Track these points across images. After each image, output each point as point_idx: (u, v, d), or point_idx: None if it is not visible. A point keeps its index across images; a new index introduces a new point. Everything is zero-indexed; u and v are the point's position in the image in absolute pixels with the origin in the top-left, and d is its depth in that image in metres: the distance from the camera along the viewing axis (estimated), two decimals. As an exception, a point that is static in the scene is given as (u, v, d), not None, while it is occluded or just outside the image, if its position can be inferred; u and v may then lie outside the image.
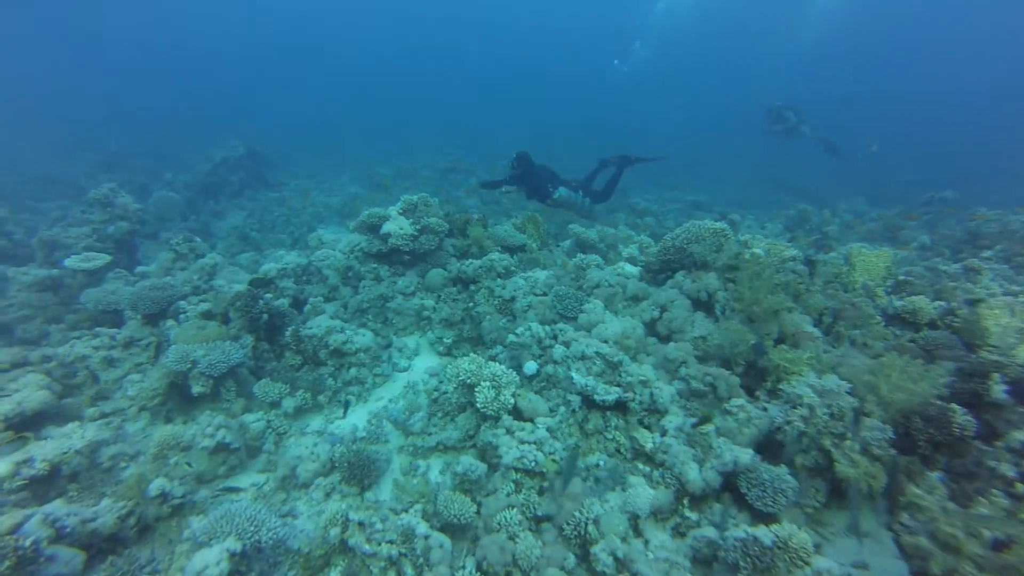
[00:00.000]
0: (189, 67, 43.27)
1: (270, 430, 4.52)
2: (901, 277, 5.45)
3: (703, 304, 4.97)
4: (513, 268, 6.02)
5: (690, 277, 5.10)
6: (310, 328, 5.35)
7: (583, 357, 4.37)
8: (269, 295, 5.77)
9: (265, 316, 5.18)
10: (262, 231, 11.10)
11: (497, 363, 4.37)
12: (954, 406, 3.42)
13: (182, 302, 5.56)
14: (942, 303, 4.87)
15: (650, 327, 5.03)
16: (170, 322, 5.36)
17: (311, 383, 4.98)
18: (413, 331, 5.95)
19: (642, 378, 4.19)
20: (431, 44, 55.08)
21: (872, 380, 3.54)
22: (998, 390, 3.62)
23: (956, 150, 23.79)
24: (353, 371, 5.22)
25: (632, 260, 6.91)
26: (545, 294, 5.50)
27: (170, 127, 21.83)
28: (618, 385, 4.17)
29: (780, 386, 3.90)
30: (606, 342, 4.56)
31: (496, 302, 5.58)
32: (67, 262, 6.17)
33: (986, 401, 3.60)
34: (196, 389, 4.40)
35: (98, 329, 5.34)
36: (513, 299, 5.52)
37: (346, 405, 4.94)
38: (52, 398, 4.45)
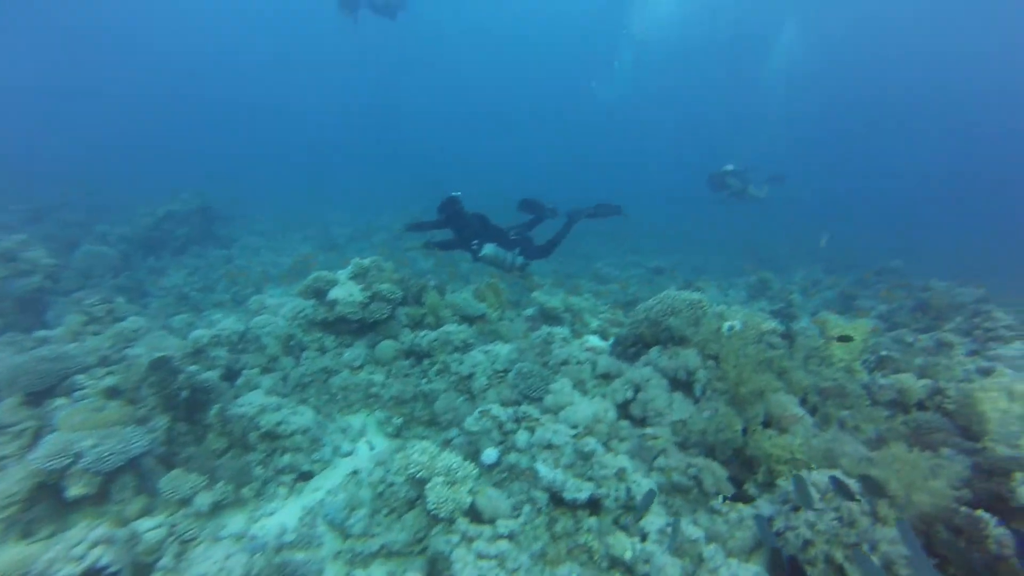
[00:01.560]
0: (156, 123, 42.40)
1: (172, 538, 3.69)
2: (883, 352, 5.19)
3: (681, 383, 4.54)
4: (471, 341, 5.48)
5: (666, 353, 4.69)
6: (240, 406, 4.61)
7: (550, 446, 3.82)
8: (194, 367, 5.03)
9: (185, 393, 4.45)
10: (204, 291, 10.23)
11: (451, 452, 3.79)
12: (982, 513, 2.84)
13: (81, 376, 4.72)
14: (928, 381, 4.56)
15: (623, 408, 4.54)
16: (60, 401, 4.48)
17: (235, 472, 4.21)
18: (359, 409, 5.26)
19: (617, 469, 3.66)
20: (405, 97, 55.94)
21: (880, 475, 3.09)
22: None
23: (913, 219, 25.30)
24: (287, 457, 4.47)
25: (601, 332, 6.51)
26: (507, 371, 4.95)
27: (126, 182, 20.73)
28: (590, 479, 3.63)
29: (778, 480, 3.43)
30: (575, 427, 4.05)
31: (452, 379, 5.00)
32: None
33: (1012, 506, 3.04)
34: (73, 491, 3.53)
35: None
36: (471, 376, 4.95)
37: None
38: None
